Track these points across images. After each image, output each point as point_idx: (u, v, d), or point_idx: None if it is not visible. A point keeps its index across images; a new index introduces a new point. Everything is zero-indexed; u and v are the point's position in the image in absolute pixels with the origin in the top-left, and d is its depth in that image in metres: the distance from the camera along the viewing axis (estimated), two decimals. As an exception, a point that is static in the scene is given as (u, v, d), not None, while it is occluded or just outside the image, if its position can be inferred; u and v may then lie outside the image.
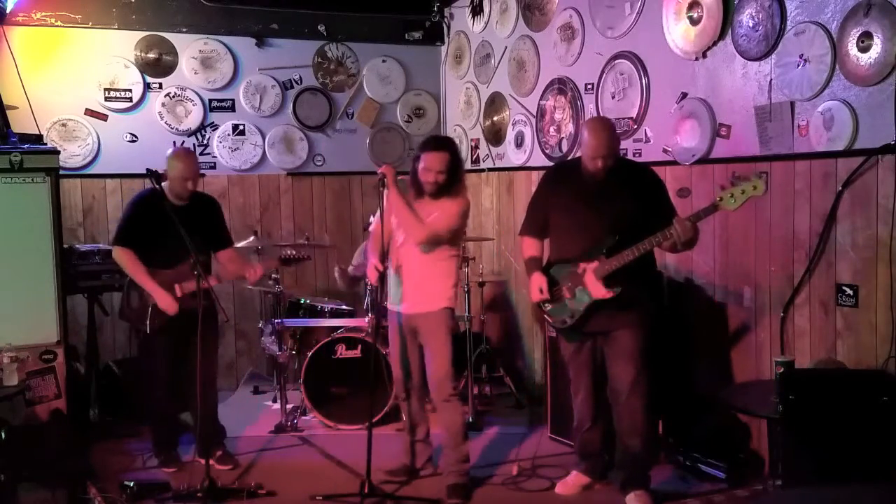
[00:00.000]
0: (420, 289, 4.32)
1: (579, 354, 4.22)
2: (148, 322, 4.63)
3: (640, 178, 4.12)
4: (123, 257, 4.66)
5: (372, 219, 4.61)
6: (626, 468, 4.18)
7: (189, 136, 6.64)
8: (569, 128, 5.84)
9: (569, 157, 5.75)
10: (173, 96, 6.57)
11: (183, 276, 4.57)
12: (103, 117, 6.40)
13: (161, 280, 4.61)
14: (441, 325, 4.31)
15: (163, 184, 4.60)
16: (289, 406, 5.62)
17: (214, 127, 6.74)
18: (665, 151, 5.00)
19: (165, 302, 4.57)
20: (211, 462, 4.40)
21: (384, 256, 4.25)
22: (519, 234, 4.41)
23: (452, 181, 4.28)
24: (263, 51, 6.85)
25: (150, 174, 4.43)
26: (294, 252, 5.11)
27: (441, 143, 4.35)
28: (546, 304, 4.15)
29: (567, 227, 4.10)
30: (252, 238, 6.07)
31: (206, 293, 4.40)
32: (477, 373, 5.92)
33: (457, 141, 5.75)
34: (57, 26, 6.21)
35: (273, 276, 5.66)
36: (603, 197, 4.00)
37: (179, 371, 4.75)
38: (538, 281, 4.11)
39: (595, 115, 5.56)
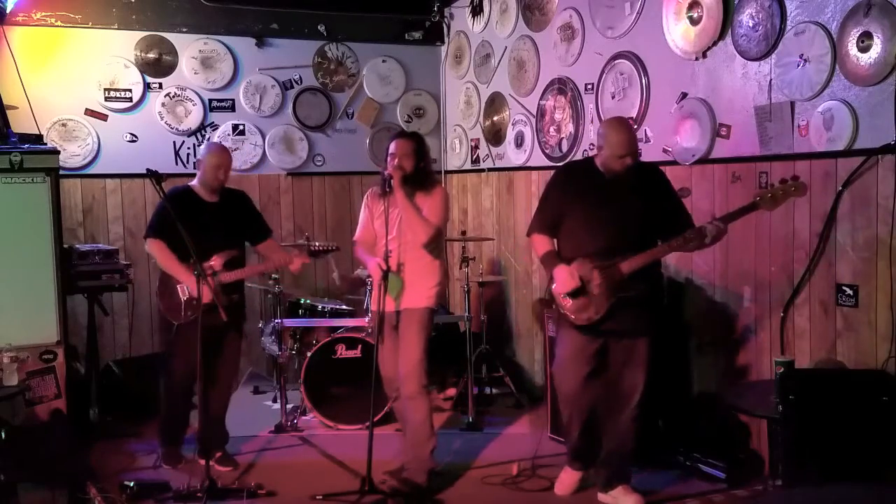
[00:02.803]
0: (408, 286, 4.39)
1: (581, 361, 4.12)
2: (182, 314, 4.65)
3: (653, 177, 4.16)
4: (155, 248, 4.67)
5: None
6: (612, 465, 4.18)
7: (189, 136, 6.64)
8: (569, 128, 5.84)
9: (569, 158, 5.75)
10: (173, 96, 6.57)
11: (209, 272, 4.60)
12: (103, 117, 6.40)
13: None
14: (417, 321, 4.37)
15: (193, 181, 4.69)
16: (289, 406, 5.62)
17: (214, 127, 6.73)
18: (665, 151, 5.00)
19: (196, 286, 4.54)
20: (211, 463, 4.40)
21: (386, 256, 4.28)
22: (528, 234, 4.30)
23: (423, 174, 4.41)
24: (263, 51, 6.85)
25: (150, 174, 4.43)
26: (321, 245, 5.13)
27: (408, 133, 4.65)
28: (568, 298, 4.03)
29: (585, 226, 4.05)
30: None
31: (239, 287, 4.62)
32: (477, 373, 5.92)
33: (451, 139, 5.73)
34: (57, 26, 6.21)
35: (273, 275, 5.65)
36: (620, 196, 4.00)
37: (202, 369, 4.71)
38: (566, 270, 3.99)
39: (595, 116, 5.57)
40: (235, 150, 6.77)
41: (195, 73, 6.64)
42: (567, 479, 4.35)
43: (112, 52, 6.40)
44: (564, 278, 4.00)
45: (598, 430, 4.25)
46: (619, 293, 3.96)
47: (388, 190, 4.31)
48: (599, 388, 4.18)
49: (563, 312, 4.08)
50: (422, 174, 4.42)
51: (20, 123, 5.62)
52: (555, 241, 4.22)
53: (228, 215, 4.79)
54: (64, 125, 6.27)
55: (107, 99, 6.39)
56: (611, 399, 4.16)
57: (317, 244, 5.11)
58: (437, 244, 4.47)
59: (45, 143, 5.44)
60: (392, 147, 4.44)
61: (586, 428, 4.25)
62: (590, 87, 5.64)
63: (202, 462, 4.48)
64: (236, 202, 4.93)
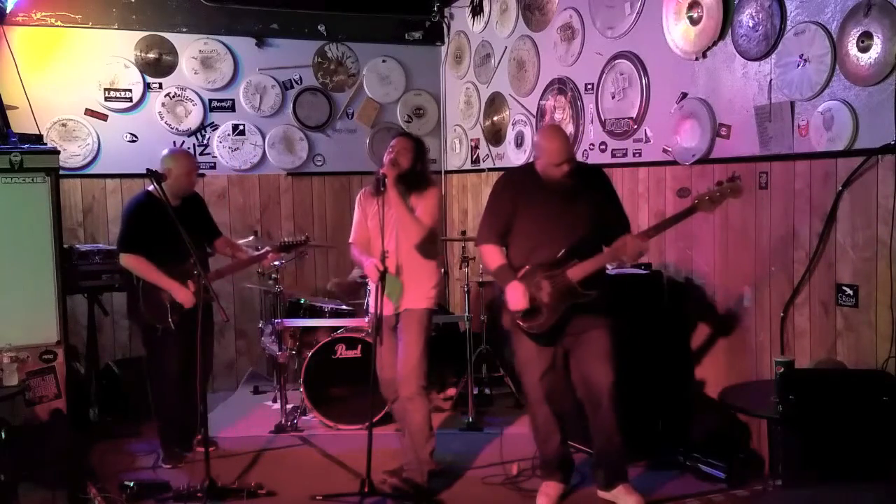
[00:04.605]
0: (406, 287, 4.39)
1: (539, 361, 4.12)
2: (170, 319, 4.71)
3: (596, 178, 4.18)
4: (133, 262, 4.76)
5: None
6: (607, 465, 4.17)
7: (189, 136, 6.64)
8: (569, 128, 5.83)
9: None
10: (173, 96, 6.57)
11: (188, 274, 4.67)
12: (103, 117, 6.40)
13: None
14: (416, 322, 4.38)
15: (163, 184, 4.64)
16: (289, 406, 5.62)
17: (214, 127, 6.74)
18: (665, 151, 5.01)
19: (184, 295, 4.67)
20: (198, 449, 4.46)
21: (383, 256, 4.27)
22: (478, 244, 4.27)
23: (418, 175, 4.42)
24: (263, 51, 6.85)
25: (150, 174, 4.45)
26: (290, 238, 5.25)
27: (409, 134, 4.79)
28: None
29: (534, 232, 4.05)
30: (252, 238, 6.08)
31: (209, 289, 4.46)
32: (477, 373, 5.92)
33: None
34: (57, 26, 6.21)
35: (273, 275, 5.67)
36: (567, 200, 4.02)
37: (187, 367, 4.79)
38: (519, 289, 4.00)
39: (595, 116, 5.57)
40: (236, 150, 6.80)
41: (195, 73, 6.64)
42: (553, 493, 4.22)
43: (112, 52, 6.40)
44: (518, 298, 3.99)
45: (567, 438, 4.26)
46: (570, 300, 3.97)
47: (381, 189, 4.28)
48: (565, 390, 4.18)
49: (516, 322, 4.08)
50: (418, 175, 4.42)
51: (20, 123, 5.61)
52: (504, 250, 4.17)
53: (192, 218, 4.84)
54: (64, 125, 6.27)
55: (107, 99, 6.39)
56: (587, 396, 4.15)
57: (286, 238, 5.22)
58: (431, 245, 4.46)
59: (45, 143, 5.43)
60: (392, 142, 4.49)
61: (561, 435, 4.21)
62: (590, 87, 5.64)
63: (201, 449, 4.52)
64: (195, 204, 5.05)
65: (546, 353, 4.13)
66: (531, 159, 4.30)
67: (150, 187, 4.77)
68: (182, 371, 4.82)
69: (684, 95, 4.86)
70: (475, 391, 5.73)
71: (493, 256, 4.15)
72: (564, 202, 4.02)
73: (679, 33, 4.86)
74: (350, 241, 4.64)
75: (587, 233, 4.01)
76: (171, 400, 4.91)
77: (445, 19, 7.36)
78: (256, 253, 5.22)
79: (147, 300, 4.76)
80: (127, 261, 4.77)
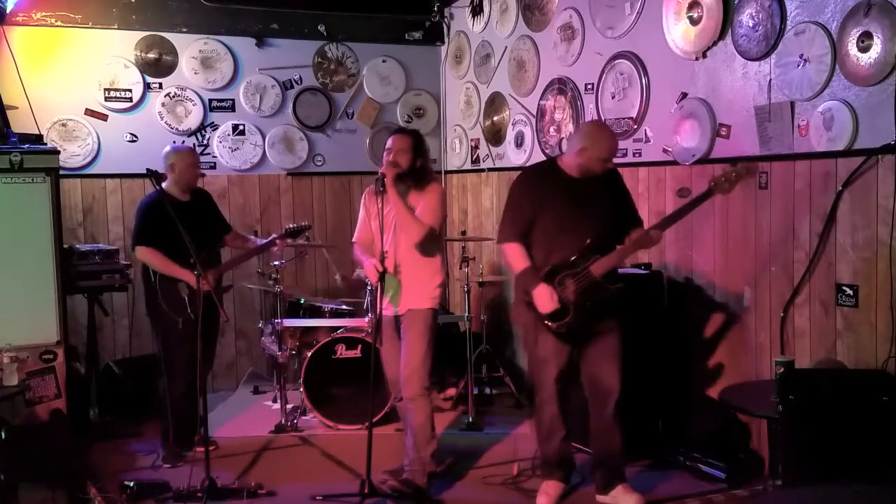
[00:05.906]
0: (409, 288, 4.38)
1: (556, 358, 4.10)
2: (190, 311, 4.75)
3: (610, 175, 4.17)
4: (149, 255, 4.82)
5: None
6: (606, 466, 4.17)
7: (189, 136, 6.64)
8: (569, 128, 5.84)
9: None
10: (173, 96, 6.57)
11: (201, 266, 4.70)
12: (103, 117, 6.40)
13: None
14: (420, 322, 4.36)
15: (164, 184, 4.66)
16: (289, 406, 5.62)
17: (214, 127, 6.74)
18: (665, 151, 5.01)
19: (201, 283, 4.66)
20: (198, 449, 4.45)
21: (382, 257, 4.26)
22: (500, 242, 4.23)
23: (419, 172, 4.39)
24: (263, 51, 6.85)
25: (150, 174, 4.46)
26: (293, 224, 5.34)
27: (405, 129, 4.63)
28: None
29: (555, 230, 4.04)
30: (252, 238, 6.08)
31: (215, 288, 4.57)
32: (477, 373, 5.92)
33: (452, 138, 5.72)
34: (57, 26, 6.20)
35: (273, 275, 5.67)
36: (588, 196, 4.02)
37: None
38: (546, 291, 3.97)
39: (595, 116, 5.57)
40: (236, 150, 6.80)
41: (195, 73, 6.64)
42: (553, 492, 4.21)
43: (112, 52, 6.40)
44: (546, 300, 3.97)
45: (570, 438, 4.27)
46: (596, 296, 3.97)
47: (381, 189, 4.27)
48: (572, 392, 4.18)
49: (543, 322, 4.04)
50: (418, 172, 4.38)
51: (20, 123, 5.62)
52: (526, 249, 4.11)
53: (202, 212, 4.99)
54: (64, 125, 6.27)
55: (107, 99, 6.39)
56: (593, 396, 4.16)
57: (290, 225, 5.32)
58: (433, 244, 4.42)
59: (45, 143, 5.44)
60: (389, 142, 4.44)
61: (565, 432, 4.21)
62: (590, 87, 5.64)
63: (201, 449, 4.52)
64: (204, 200, 5.15)
65: (564, 351, 4.11)
66: (554, 154, 4.29)
67: (163, 186, 4.82)
68: (190, 368, 4.81)
69: (684, 95, 4.86)
70: (475, 391, 5.73)
71: (517, 257, 4.10)
72: (584, 200, 4.02)
73: (679, 33, 4.86)
74: (353, 239, 4.63)
75: (605, 229, 4.02)
76: (181, 398, 4.92)
77: (445, 19, 7.35)
78: (264, 241, 5.29)
79: (165, 295, 4.81)
80: (143, 254, 4.82)
